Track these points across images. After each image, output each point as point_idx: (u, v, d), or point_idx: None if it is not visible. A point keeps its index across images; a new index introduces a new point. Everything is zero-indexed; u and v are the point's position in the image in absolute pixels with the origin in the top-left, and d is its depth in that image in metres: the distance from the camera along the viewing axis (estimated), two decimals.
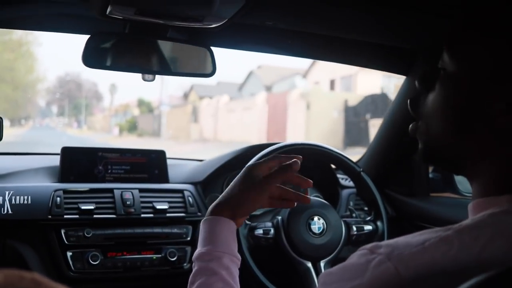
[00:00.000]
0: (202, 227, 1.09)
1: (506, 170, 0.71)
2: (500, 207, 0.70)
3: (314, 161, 2.08)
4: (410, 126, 0.84)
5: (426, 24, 1.46)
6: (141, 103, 44.13)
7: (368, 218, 1.76)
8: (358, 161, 2.24)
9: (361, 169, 1.76)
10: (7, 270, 0.42)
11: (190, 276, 1.04)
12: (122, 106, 48.31)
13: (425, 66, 1.78)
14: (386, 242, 0.69)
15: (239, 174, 1.14)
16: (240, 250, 1.51)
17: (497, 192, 0.72)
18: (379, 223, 1.73)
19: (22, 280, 0.41)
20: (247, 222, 1.62)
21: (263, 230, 1.59)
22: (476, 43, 0.71)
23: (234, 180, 1.14)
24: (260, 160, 1.16)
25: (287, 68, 33.12)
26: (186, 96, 39.86)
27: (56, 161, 1.88)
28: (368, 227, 1.71)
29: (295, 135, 19.25)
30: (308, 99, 19.45)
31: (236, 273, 1.05)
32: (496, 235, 0.66)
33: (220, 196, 1.13)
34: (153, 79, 1.55)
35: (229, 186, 1.14)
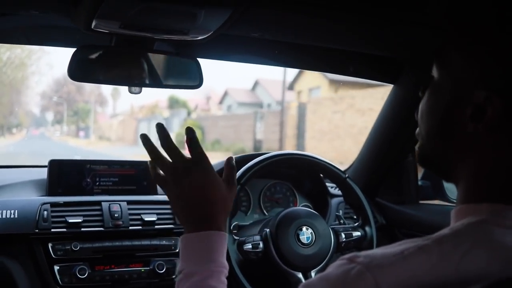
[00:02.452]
0: (198, 240, 1.06)
1: (483, 176, 0.74)
2: (479, 216, 0.71)
3: (304, 172, 2.09)
4: (417, 131, 0.86)
5: (412, 35, 1.47)
6: (173, 103, 36.94)
7: (356, 224, 1.76)
8: (347, 169, 2.24)
9: (347, 176, 1.77)
10: None
11: None
12: (148, 107, 40.72)
13: (413, 75, 1.79)
14: (365, 252, 0.70)
15: (199, 184, 1.08)
16: (230, 265, 1.51)
17: (477, 199, 0.74)
18: (367, 229, 1.73)
19: None
20: (235, 237, 1.61)
21: (252, 245, 1.58)
22: (454, 51, 0.75)
23: (198, 192, 1.08)
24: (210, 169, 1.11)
25: None
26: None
27: (43, 174, 1.86)
28: (356, 233, 1.71)
29: None
30: None
31: (225, 283, 1.05)
32: (475, 245, 0.67)
33: (200, 208, 1.08)
34: (139, 92, 1.54)
35: (196, 198, 1.08)
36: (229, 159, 1.16)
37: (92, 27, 1.26)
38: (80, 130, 40.88)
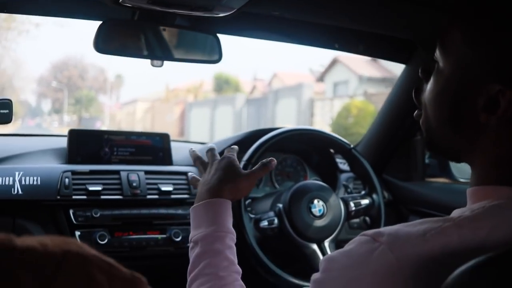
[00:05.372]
0: (203, 208, 1.13)
1: (498, 163, 0.76)
2: (499, 199, 0.73)
3: (314, 146, 2.14)
4: (415, 112, 0.88)
5: (425, 16, 1.51)
6: (222, 83, 29.66)
7: (363, 192, 1.82)
8: (355, 145, 2.29)
9: (352, 146, 1.82)
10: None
11: (193, 256, 1.08)
12: (186, 90, 32.63)
13: (425, 56, 1.82)
14: (388, 230, 0.72)
15: (219, 164, 1.20)
16: (249, 243, 1.58)
17: (496, 182, 0.76)
18: (374, 196, 1.79)
19: (68, 244, 0.43)
20: (251, 215, 1.66)
21: (268, 221, 1.63)
22: (462, 42, 0.76)
23: (216, 168, 1.20)
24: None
25: None
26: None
27: (63, 143, 1.92)
28: (365, 201, 1.77)
29: None
30: None
31: (234, 248, 1.11)
32: (495, 229, 0.70)
33: (212, 179, 1.17)
34: (161, 65, 1.59)
35: (212, 172, 1.19)
36: (269, 163, 1.23)
37: (120, 1, 1.30)
38: (97, 121, 35.59)
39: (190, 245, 1.12)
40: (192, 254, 1.09)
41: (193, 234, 1.11)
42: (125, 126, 35.42)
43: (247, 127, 21.49)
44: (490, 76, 0.73)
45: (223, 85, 30.86)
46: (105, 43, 1.48)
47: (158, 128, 29.62)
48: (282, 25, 1.72)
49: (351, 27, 1.71)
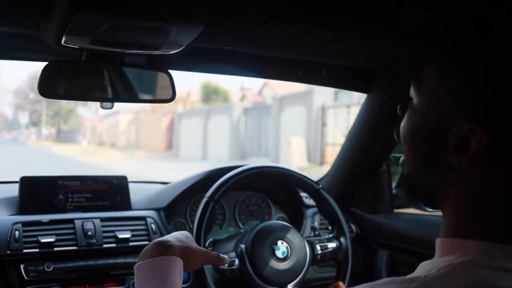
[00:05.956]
0: (151, 266, 1.02)
1: (469, 210, 0.70)
2: (467, 255, 0.67)
3: (279, 183, 2.08)
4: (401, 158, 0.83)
5: (385, 46, 1.47)
6: (210, 93, 28.09)
7: (331, 235, 1.75)
8: (321, 179, 2.24)
9: (320, 186, 1.76)
10: None
11: None
12: (177, 99, 22.64)
13: (386, 85, 1.79)
14: None
15: (177, 234, 1.13)
16: (207, 286, 1.50)
17: (463, 234, 0.70)
18: (342, 240, 1.72)
19: None
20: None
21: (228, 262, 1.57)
22: (434, 77, 0.71)
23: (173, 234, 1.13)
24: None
25: None
26: None
27: (14, 190, 1.82)
28: (332, 245, 1.70)
29: None
30: None
31: None
32: None
33: (166, 237, 1.11)
34: (111, 107, 1.52)
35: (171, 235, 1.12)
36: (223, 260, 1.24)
37: (62, 42, 1.24)
38: (79, 134, 33.88)
39: None
40: None
41: None
42: (107, 139, 33.33)
43: (245, 140, 20.22)
44: (461, 113, 0.67)
45: (211, 95, 29.42)
46: (49, 87, 1.40)
47: (144, 140, 27.93)
48: (238, 59, 1.67)
49: (308, 59, 1.67)
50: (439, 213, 0.77)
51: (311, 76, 1.92)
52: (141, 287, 1.01)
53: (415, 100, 0.75)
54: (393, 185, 2.14)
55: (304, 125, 17.09)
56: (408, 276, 0.67)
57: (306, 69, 1.82)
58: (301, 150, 15.99)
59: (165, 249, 1.04)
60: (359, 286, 0.68)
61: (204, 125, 22.88)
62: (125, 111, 33.50)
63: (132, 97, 1.55)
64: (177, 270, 1.03)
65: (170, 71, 1.51)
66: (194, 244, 1.12)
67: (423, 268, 0.69)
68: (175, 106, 26.01)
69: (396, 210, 2.13)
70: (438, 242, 0.74)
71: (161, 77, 1.53)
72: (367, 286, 0.67)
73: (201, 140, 22.69)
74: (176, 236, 1.09)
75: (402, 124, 0.78)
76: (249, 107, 22.43)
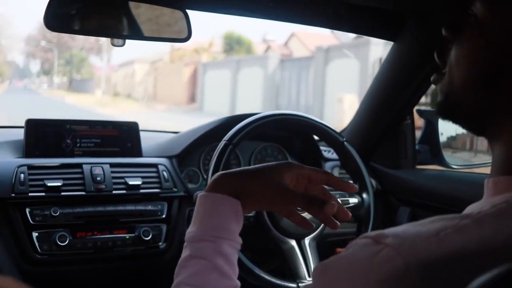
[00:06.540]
0: (200, 203, 0.95)
1: None
2: None
3: (296, 132, 1.99)
4: (433, 76, 0.76)
5: None
6: (233, 43, 26.46)
7: None
8: (342, 131, 2.15)
9: (345, 139, 1.66)
10: None
11: (181, 259, 0.91)
12: (192, 50, 27.55)
13: (415, 32, 1.68)
14: (393, 231, 0.59)
15: (257, 168, 1.00)
16: None
17: None
18: (364, 195, 1.63)
19: None
20: None
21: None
22: None
23: (247, 168, 1.01)
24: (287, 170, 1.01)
25: None
26: None
27: (20, 134, 1.75)
28: (353, 200, 1.61)
29: None
30: None
31: (235, 259, 0.93)
32: None
33: (231, 171, 1.00)
34: (123, 44, 1.42)
35: (243, 169, 1.01)
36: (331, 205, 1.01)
37: None
38: (90, 82, 31.41)
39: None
40: (182, 255, 0.92)
41: (188, 231, 0.94)
42: (122, 90, 31.69)
43: (282, 95, 18.74)
44: None
45: (234, 45, 28.02)
46: (58, 20, 1.32)
47: (163, 92, 26.20)
48: (258, 0, 1.56)
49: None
50: (463, 169, 0.69)
51: (333, 21, 1.80)
52: (193, 221, 0.95)
53: (482, 15, 0.67)
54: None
55: (357, 80, 15.19)
56: (459, 214, 0.60)
57: (328, 12, 1.70)
58: (354, 109, 15.18)
59: (220, 185, 0.97)
60: (403, 225, 0.61)
61: (233, 77, 21.48)
62: (140, 61, 31.71)
63: (145, 35, 1.46)
64: (226, 209, 0.96)
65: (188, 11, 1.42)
66: (273, 193, 1.00)
67: (472, 208, 0.63)
68: (198, 57, 24.79)
69: (418, 167, 2.04)
70: (488, 182, 0.67)
71: (177, 15, 1.44)
72: (413, 225, 0.60)
73: (229, 94, 21.44)
74: (250, 170, 1.01)
75: (459, 44, 0.70)
76: (287, 58, 20.96)
